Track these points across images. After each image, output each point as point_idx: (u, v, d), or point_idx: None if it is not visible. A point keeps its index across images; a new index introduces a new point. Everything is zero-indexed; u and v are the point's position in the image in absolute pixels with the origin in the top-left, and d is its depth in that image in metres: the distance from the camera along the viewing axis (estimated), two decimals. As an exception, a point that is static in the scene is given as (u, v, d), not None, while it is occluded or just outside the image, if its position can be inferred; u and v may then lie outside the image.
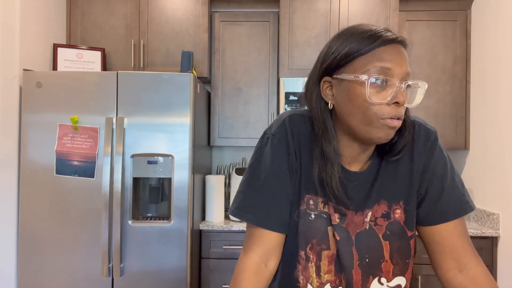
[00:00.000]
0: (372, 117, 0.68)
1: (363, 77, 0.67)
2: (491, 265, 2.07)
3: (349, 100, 0.70)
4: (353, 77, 0.69)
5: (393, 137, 0.75)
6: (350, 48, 0.69)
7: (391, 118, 0.68)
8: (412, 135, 0.79)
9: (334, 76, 0.72)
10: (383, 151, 0.78)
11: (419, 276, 2.06)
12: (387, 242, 0.78)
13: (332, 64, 0.72)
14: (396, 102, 0.68)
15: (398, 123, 0.69)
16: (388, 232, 0.78)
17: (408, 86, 0.70)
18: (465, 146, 2.37)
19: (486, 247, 2.08)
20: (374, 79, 0.67)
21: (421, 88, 0.72)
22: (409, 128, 0.76)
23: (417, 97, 0.72)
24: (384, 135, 0.70)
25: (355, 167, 0.79)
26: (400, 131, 0.75)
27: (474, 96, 2.35)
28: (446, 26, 2.39)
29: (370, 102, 0.68)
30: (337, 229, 0.77)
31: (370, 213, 0.78)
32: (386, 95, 0.68)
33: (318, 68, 0.75)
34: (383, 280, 0.79)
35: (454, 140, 2.37)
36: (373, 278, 0.78)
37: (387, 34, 0.69)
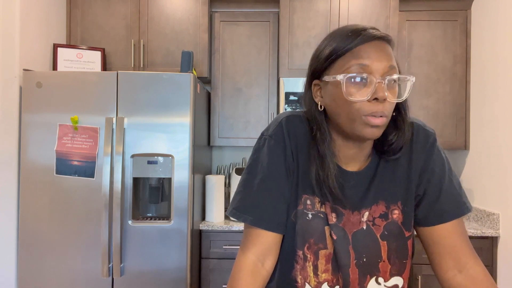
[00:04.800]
0: (354, 115, 0.69)
1: (339, 77, 0.69)
2: (491, 265, 2.07)
3: (334, 101, 0.72)
4: (332, 78, 0.71)
5: (391, 137, 0.75)
6: (330, 51, 0.72)
7: (373, 115, 0.67)
8: (411, 136, 0.79)
9: (321, 79, 0.75)
10: (382, 151, 0.78)
11: (419, 276, 2.06)
12: (385, 242, 0.78)
13: (317, 67, 0.75)
14: (376, 99, 0.67)
15: (380, 121, 0.68)
16: (386, 232, 0.78)
17: (394, 81, 0.69)
18: (465, 146, 2.37)
19: (486, 247, 2.08)
20: (350, 77, 0.68)
21: (409, 82, 0.71)
22: (407, 128, 0.75)
23: (406, 91, 0.72)
24: (368, 133, 0.69)
25: (352, 167, 0.79)
26: (398, 131, 0.75)
27: (474, 96, 2.35)
28: (446, 26, 2.39)
29: (349, 101, 0.68)
30: (334, 228, 0.78)
31: (367, 213, 0.78)
32: (366, 92, 0.67)
33: (308, 72, 0.79)
34: (380, 280, 0.79)
35: (454, 140, 2.37)
36: (371, 278, 0.78)
37: (367, 32, 0.69)
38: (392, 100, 0.69)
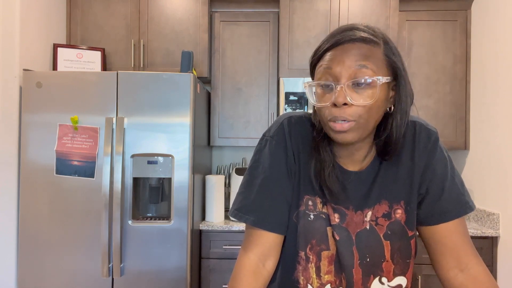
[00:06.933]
0: (323, 120, 0.71)
1: (305, 84, 0.73)
2: (491, 265, 2.07)
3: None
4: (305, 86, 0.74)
5: (390, 138, 0.74)
6: (311, 56, 0.74)
7: (333, 121, 0.68)
8: (412, 136, 0.79)
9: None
10: (383, 151, 0.78)
11: (419, 276, 2.06)
12: (388, 242, 0.78)
13: (310, 70, 0.77)
14: (334, 104, 0.67)
15: (347, 126, 0.67)
16: (389, 232, 0.78)
17: (359, 84, 0.66)
18: (465, 146, 2.37)
19: (486, 247, 2.08)
20: (311, 85, 0.71)
21: (376, 83, 0.66)
22: (396, 128, 0.73)
23: (375, 92, 0.67)
24: (336, 137, 0.70)
25: (353, 167, 0.79)
26: (390, 131, 0.74)
27: (474, 96, 2.35)
28: (446, 26, 2.39)
29: (317, 107, 0.71)
30: (337, 229, 0.77)
31: (370, 213, 0.78)
32: (331, 97, 0.68)
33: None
34: (384, 279, 0.79)
35: (454, 140, 2.37)
36: (374, 278, 0.78)
37: (335, 38, 0.68)
38: (361, 103, 0.66)
